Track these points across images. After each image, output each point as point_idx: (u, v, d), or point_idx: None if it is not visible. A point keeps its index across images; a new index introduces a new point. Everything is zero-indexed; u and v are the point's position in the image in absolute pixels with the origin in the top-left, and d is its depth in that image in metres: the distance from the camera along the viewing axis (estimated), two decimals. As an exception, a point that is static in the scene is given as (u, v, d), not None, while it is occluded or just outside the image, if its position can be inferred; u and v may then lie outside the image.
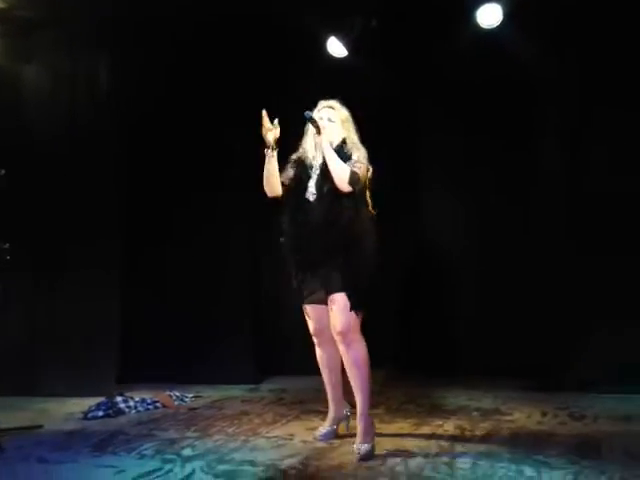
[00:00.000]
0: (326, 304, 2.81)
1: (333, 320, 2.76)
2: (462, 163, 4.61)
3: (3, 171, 3.19)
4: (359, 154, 2.79)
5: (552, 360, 4.02)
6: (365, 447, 2.67)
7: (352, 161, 2.75)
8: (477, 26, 4.04)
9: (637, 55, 3.86)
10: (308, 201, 2.82)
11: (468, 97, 4.47)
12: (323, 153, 2.80)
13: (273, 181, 2.84)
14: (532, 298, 4.22)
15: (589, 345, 3.89)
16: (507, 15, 3.95)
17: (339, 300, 2.72)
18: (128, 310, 4.42)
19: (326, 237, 2.72)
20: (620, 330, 3.83)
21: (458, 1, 4.02)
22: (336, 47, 4.31)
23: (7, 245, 3.18)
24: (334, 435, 2.97)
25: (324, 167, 2.80)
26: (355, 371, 2.76)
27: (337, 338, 2.77)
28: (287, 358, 4.79)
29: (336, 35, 4.26)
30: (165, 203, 4.69)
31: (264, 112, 2.76)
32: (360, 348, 2.76)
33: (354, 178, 2.70)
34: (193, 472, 2.51)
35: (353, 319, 2.73)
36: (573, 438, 2.89)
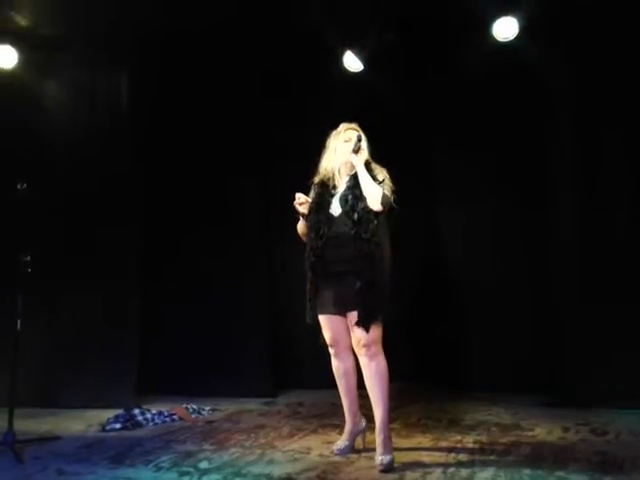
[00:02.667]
0: (343, 315, 2.85)
1: (358, 333, 2.78)
2: (477, 179, 4.57)
3: (25, 184, 3.24)
4: (383, 175, 2.92)
5: (573, 376, 3.95)
6: (388, 458, 2.68)
7: (382, 183, 2.88)
8: (493, 39, 4.04)
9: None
10: (332, 216, 2.91)
11: (483, 111, 4.45)
12: (353, 171, 2.92)
13: (306, 234, 3.00)
14: (553, 312, 4.16)
15: (611, 360, 3.83)
16: (523, 28, 3.95)
17: (360, 315, 2.76)
18: (147, 323, 4.44)
19: (349, 249, 2.80)
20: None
21: (474, 15, 4.02)
22: (352, 61, 4.33)
23: (28, 257, 3.22)
24: (352, 449, 2.96)
25: (350, 183, 2.92)
26: (377, 383, 2.79)
27: (360, 351, 2.81)
28: (304, 371, 4.77)
29: (352, 49, 4.28)
30: (185, 216, 4.72)
31: (298, 195, 2.95)
32: (382, 360, 2.81)
33: (385, 199, 2.83)
34: (210, 485, 2.51)
35: (377, 332, 2.78)
36: (595, 454, 2.84)
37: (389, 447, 2.74)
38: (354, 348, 2.87)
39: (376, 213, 2.83)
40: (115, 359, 4.14)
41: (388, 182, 2.91)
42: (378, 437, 2.76)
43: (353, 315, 2.80)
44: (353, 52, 4.29)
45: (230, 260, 4.65)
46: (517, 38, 4.00)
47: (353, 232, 2.81)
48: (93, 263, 4.27)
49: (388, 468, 2.64)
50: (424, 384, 4.51)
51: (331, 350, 2.98)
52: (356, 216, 2.82)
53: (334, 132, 3.06)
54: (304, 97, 4.72)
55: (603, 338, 3.87)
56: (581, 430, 3.31)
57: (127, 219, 4.32)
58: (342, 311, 2.85)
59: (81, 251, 4.27)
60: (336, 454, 2.91)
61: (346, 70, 4.37)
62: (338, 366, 2.98)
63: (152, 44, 4.33)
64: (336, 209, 2.92)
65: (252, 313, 4.62)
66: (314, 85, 4.64)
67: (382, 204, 2.81)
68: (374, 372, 2.79)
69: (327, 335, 2.95)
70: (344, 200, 2.90)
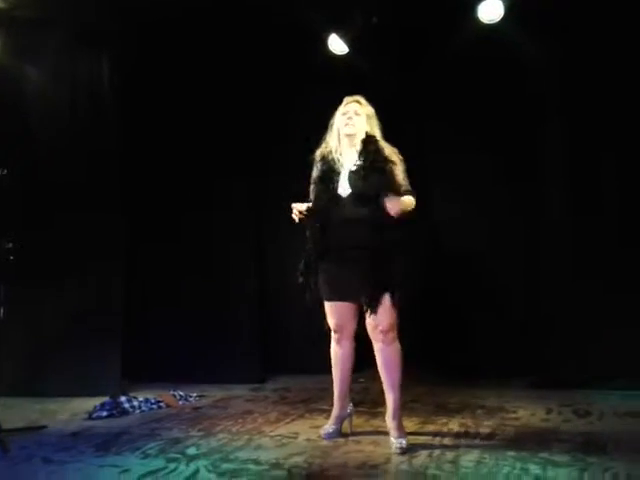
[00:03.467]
0: (352, 301, 2.82)
1: (376, 319, 2.74)
2: (467, 163, 4.57)
3: (5, 171, 3.19)
4: (397, 168, 2.80)
5: (556, 357, 4.01)
6: (404, 441, 2.71)
7: (406, 187, 2.79)
8: (478, 22, 4.01)
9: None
10: (340, 197, 2.81)
11: (470, 94, 4.44)
12: (356, 145, 2.84)
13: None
14: (536, 295, 4.21)
15: (594, 341, 3.88)
16: (508, 10, 3.93)
17: (384, 299, 2.73)
18: (132, 310, 4.42)
19: (364, 232, 2.71)
20: (625, 326, 3.81)
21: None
22: (337, 44, 4.29)
23: (10, 245, 3.19)
24: (339, 434, 2.97)
25: (358, 161, 2.81)
26: (393, 368, 2.79)
27: (377, 337, 2.78)
28: (291, 357, 4.78)
29: (337, 32, 4.24)
30: (168, 201, 4.67)
31: (295, 206, 2.85)
32: (398, 346, 2.80)
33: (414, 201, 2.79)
34: (197, 471, 2.52)
35: (395, 317, 2.76)
36: (578, 435, 2.88)
37: (403, 430, 2.80)
38: (370, 333, 2.80)
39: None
40: (101, 347, 4.12)
41: (406, 179, 2.81)
42: (393, 421, 2.79)
43: (372, 300, 2.73)
44: (338, 35, 4.26)
45: (218, 247, 4.63)
46: (503, 20, 3.97)
47: (369, 215, 2.72)
48: (76, 250, 4.22)
49: (405, 450, 2.67)
50: (411, 368, 4.52)
51: (334, 335, 2.94)
52: (374, 200, 2.71)
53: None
54: (289, 81, 4.67)
55: (586, 320, 3.92)
56: (564, 411, 3.36)
57: (111, 205, 4.27)
58: (356, 297, 2.79)
59: (64, 238, 4.22)
60: (324, 438, 2.91)
61: (331, 53, 4.33)
62: (338, 352, 2.95)
63: (135, 28, 4.26)
64: (344, 189, 2.80)
65: (240, 300, 4.62)
66: (299, 68, 4.60)
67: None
68: (391, 358, 2.78)
69: (332, 321, 2.91)
70: (356, 179, 2.78)
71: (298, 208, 2.85)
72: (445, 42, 4.19)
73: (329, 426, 2.97)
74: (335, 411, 3.00)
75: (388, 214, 2.71)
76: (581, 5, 3.91)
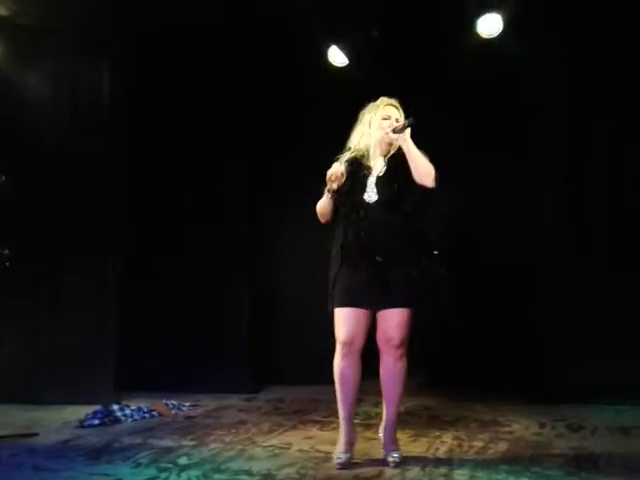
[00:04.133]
0: (370, 309, 2.70)
1: (390, 332, 2.68)
2: (461, 172, 4.59)
3: (3, 177, 3.20)
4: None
5: (551, 372, 4.00)
6: (398, 454, 2.70)
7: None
8: (477, 36, 4.05)
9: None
10: (366, 202, 2.71)
11: (468, 107, 4.48)
12: (390, 152, 2.78)
13: (327, 214, 2.81)
14: (529, 310, 4.21)
15: (589, 357, 3.88)
16: (507, 25, 3.96)
17: (402, 314, 2.67)
18: (126, 319, 4.40)
19: (388, 242, 2.66)
20: (620, 342, 3.82)
21: (458, 11, 4.04)
22: (337, 56, 4.33)
23: (7, 251, 3.18)
24: (351, 460, 2.71)
25: (388, 166, 2.76)
26: (396, 383, 2.74)
27: (389, 350, 2.71)
28: (285, 368, 4.78)
29: (337, 44, 4.28)
30: (165, 211, 4.68)
31: (336, 166, 2.72)
32: (405, 361, 2.75)
33: (436, 176, 2.68)
34: (189, 481, 2.50)
35: (408, 333, 2.71)
36: (571, 450, 2.88)
37: (397, 443, 2.77)
38: (380, 345, 2.73)
39: (417, 201, 2.69)
40: (94, 355, 4.10)
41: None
42: (388, 434, 2.76)
43: (392, 312, 2.67)
44: (338, 47, 4.29)
45: (212, 257, 4.62)
46: (502, 35, 4.00)
47: (397, 222, 2.67)
48: (72, 258, 4.21)
49: (398, 464, 2.65)
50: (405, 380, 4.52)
51: (342, 349, 2.69)
52: (401, 204, 2.67)
53: (371, 104, 2.85)
54: (288, 90, 4.70)
55: (578, 335, 3.92)
56: (557, 426, 3.36)
57: (109, 213, 4.26)
58: (378, 306, 2.68)
59: (61, 246, 4.21)
60: (338, 469, 2.63)
61: (331, 64, 4.36)
62: (345, 368, 2.70)
63: (135, 34, 4.28)
64: (371, 195, 2.71)
65: (234, 309, 4.61)
66: (298, 79, 4.63)
67: (435, 180, 2.64)
68: (398, 373, 2.72)
69: (343, 331, 2.68)
70: (384, 185, 2.71)
71: (338, 172, 2.67)
72: (444, 54, 4.22)
73: (342, 454, 2.69)
74: (345, 437, 2.73)
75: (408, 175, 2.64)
76: (577, 20, 3.96)
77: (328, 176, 2.69)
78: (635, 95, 3.93)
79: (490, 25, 4.00)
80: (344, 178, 2.70)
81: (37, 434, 3.30)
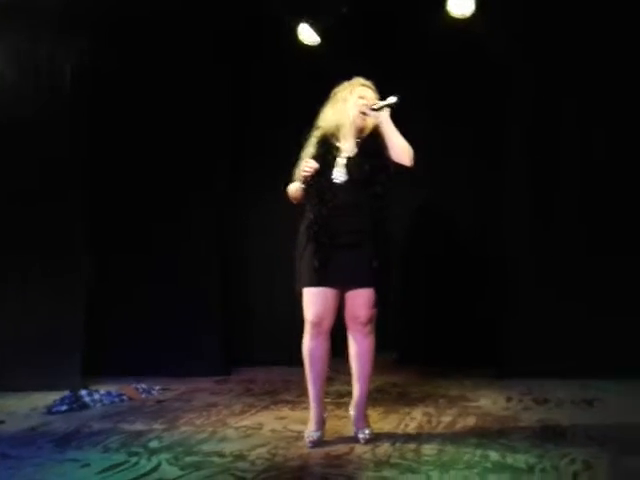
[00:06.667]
0: (339, 288, 2.71)
1: (357, 310, 2.71)
2: (432, 155, 4.61)
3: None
4: None
5: (517, 348, 4.08)
6: (368, 431, 2.73)
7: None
8: (449, 15, 4.02)
9: (608, 49, 3.94)
10: (335, 183, 2.71)
11: (442, 85, 4.49)
12: (362, 134, 2.77)
13: (299, 197, 2.80)
14: (497, 286, 4.28)
15: (554, 332, 3.97)
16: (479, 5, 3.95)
17: (367, 293, 2.69)
18: (94, 303, 4.34)
19: (356, 222, 2.68)
20: (585, 317, 3.92)
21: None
22: (307, 34, 4.27)
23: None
24: (322, 438, 2.74)
25: (361, 149, 2.76)
26: (365, 360, 2.77)
27: (356, 327, 2.74)
28: (257, 349, 4.78)
29: (307, 22, 4.22)
30: (130, 196, 4.59)
31: (312, 162, 2.71)
32: (373, 338, 2.78)
33: (412, 155, 2.70)
34: (159, 464, 2.48)
35: (375, 310, 2.73)
36: (537, 422, 2.95)
37: (367, 420, 2.80)
38: (348, 323, 2.75)
39: (385, 182, 2.71)
40: (60, 340, 4.04)
41: None
42: (358, 411, 2.78)
43: (359, 292, 2.69)
44: (309, 25, 4.23)
45: (183, 238, 4.57)
46: (474, 15, 3.98)
47: (365, 203, 2.68)
48: (37, 246, 4.13)
49: (369, 440, 2.69)
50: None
51: (311, 330, 2.70)
52: (370, 186, 2.69)
53: (346, 83, 2.83)
54: (259, 71, 4.64)
55: (548, 313, 4.01)
56: (524, 399, 3.43)
57: (72, 203, 4.20)
58: (347, 285, 2.70)
59: (26, 236, 4.14)
60: (309, 447, 2.66)
61: (301, 43, 4.31)
62: (314, 349, 2.72)
63: (100, 19, 4.16)
64: (340, 175, 2.71)
65: (204, 292, 4.57)
66: (269, 58, 4.57)
67: (411, 159, 2.67)
68: (366, 349, 2.75)
69: (312, 311, 2.69)
70: (355, 167, 2.71)
71: (312, 166, 2.69)
72: (417, 34, 4.22)
73: (313, 432, 2.72)
74: (316, 416, 2.75)
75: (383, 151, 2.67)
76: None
77: (302, 170, 2.70)
78: (604, 81, 3.98)
79: (462, 4, 3.97)
80: (316, 170, 2.70)
81: (3, 422, 3.25)
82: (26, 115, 4.17)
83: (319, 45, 4.30)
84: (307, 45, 4.30)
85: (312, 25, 4.23)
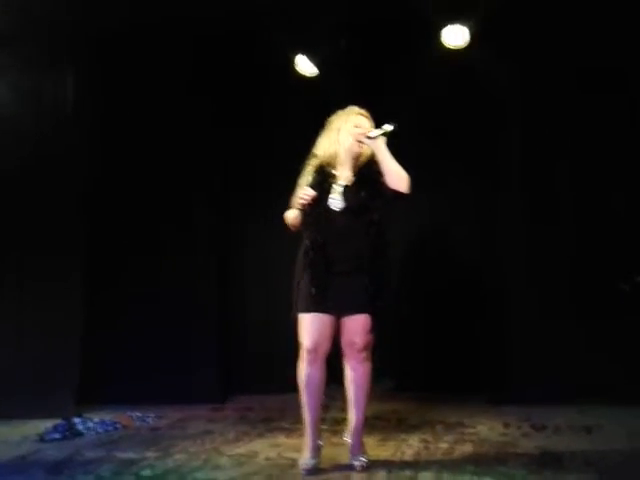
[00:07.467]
0: (335, 314, 2.71)
1: (353, 337, 2.70)
2: (426, 183, 4.64)
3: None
4: None
5: (515, 373, 4.05)
6: (364, 458, 2.71)
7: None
8: (443, 46, 4.06)
9: (601, 81, 4.02)
10: (332, 210, 2.74)
11: (433, 116, 4.53)
12: (359, 162, 2.81)
13: (297, 224, 2.80)
14: (493, 313, 4.27)
15: (552, 358, 3.95)
16: (474, 37, 3.99)
17: (364, 320, 2.69)
18: (89, 330, 4.31)
19: (352, 248, 2.70)
20: (582, 343, 3.91)
21: (424, 23, 4.07)
22: (305, 65, 4.32)
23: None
24: (317, 466, 2.72)
25: (357, 177, 2.79)
26: (363, 386, 2.76)
27: (352, 354, 2.73)
28: (253, 377, 4.73)
29: (305, 53, 4.28)
30: (131, 216, 4.58)
31: (310, 192, 2.73)
32: (369, 365, 2.77)
33: (408, 181, 2.72)
34: (152, 493, 2.46)
35: (371, 337, 2.73)
36: (535, 449, 2.93)
37: (364, 448, 2.78)
38: (344, 349, 2.74)
39: (381, 209, 2.74)
40: (55, 367, 3.99)
41: None
42: (354, 438, 2.75)
43: (355, 318, 2.69)
44: (307, 56, 4.29)
45: (176, 263, 4.55)
46: (468, 46, 4.03)
47: (362, 230, 2.70)
48: (34, 269, 4.10)
49: (365, 468, 2.67)
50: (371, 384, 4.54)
51: (307, 356, 2.69)
52: (367, 213, 2.71)
53: (340, 112, 2.86)
54: (259, 99, 4.70)
55: (545, 338, 3.99)
56: (522, 426, 3.40)
57: (73, 224, 4.18)
58: (343, 311, 2.70)
59: (23, 256, 4.11)
60: (304, 475, 2.65)
61: (299, 73, 4.36)
62: (311, 376, 2.70)
63: (99, 44, 4.22)
64: (337, 203, 2.74)
65: (201, 320, 4.54)
66: (268, 88, 4.62)
67: (408, 187, 2.69)
68: (362, 376, 2.74)
69: (308, 338, 2.68)
70: (352, 194, 2.73)
71: (309, 193, 2.71)
72: (413, 66, 4.28)
73: (308, 460, 2.70)
74: (310, 442, 2.74)
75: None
76: (541, 32, 4.04)
77: (300, 198, 2.71)
78: (599, 110, 4.05)
79: (456, 36, 4.03)
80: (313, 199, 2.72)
81: (-5, 450, 3.21)
82: (28, 143, 4.18)
83: (317, 77, 4.35)
84: (305, 76, 4.35)
85: (310, 57, 4.29)
